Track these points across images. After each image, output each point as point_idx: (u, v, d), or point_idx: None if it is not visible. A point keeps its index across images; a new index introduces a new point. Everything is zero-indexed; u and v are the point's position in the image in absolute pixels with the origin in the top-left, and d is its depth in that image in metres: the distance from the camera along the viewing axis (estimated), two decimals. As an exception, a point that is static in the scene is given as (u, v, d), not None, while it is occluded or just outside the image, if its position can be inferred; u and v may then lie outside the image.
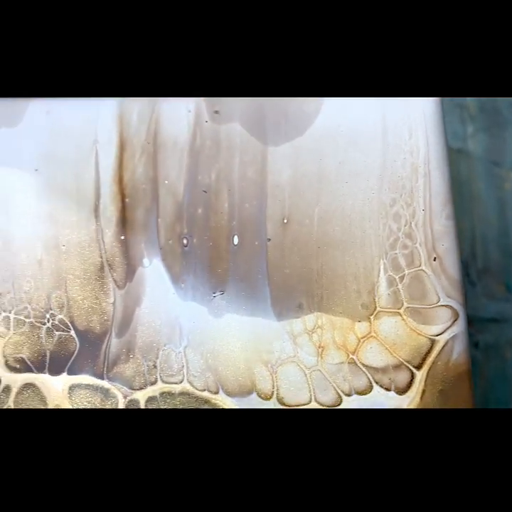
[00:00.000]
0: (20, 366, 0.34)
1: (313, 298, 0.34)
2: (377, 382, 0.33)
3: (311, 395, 0.33)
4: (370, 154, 0.35)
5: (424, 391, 0.33)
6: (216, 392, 0.33)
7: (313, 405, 0.33)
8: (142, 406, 0.33)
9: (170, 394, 0.33)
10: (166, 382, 0.33)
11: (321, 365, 0.33)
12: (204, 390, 0.33)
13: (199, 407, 0.33)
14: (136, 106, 0.36)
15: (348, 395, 0.33)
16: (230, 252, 0.35)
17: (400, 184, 0.35)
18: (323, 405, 0.33)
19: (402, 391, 0.33)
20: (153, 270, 0.35)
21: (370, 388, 0.33)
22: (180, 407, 0.33)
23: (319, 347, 0.34)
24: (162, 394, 0.33)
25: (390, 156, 0.35)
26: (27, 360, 0.34)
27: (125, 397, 0.33)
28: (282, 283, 0.34)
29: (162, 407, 0.33)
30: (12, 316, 0.34)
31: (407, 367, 0.33)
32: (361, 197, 0.35)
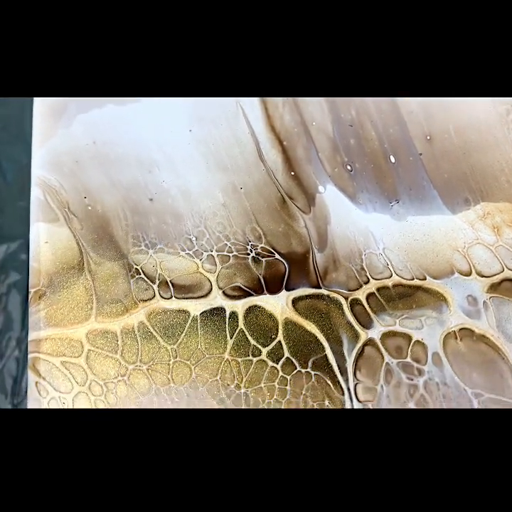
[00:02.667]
0: (239, 293, 0.39)
1: (475, 192, 0.43)
2: (549, 246, 0.41)
3: (502, 265, 0.40)
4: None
5: None
6: (424, 279, 0.40)
7: (507, 273, 0.40)
8: (365, 304, 0.39)
9: (385, 287, 0.39)
10: (378, 279, 0.39)
11: (501, 241, 0.41)
12: (413, 278, 0.40)
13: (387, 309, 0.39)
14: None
15: (531, 259, 0.41)
16: (391, 168, 0.43)
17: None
18: (514, 271, 0.40)
19: None
20: (330, 194, 0.42)
21: (546, 251, 0.41)
22: (396, 296, 0.39)
23: (494, 228, 0.42)
24: (378, 289, 0.39)
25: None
26: (243, 287, 0.39)
27: (346, 298, 0.39)
28: (445, 185, 0.43)
29: (381, 300, 0.39)
30: (215, 253, 0.39)
31: None
32: (482, 110, 0.45)
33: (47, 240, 0.39)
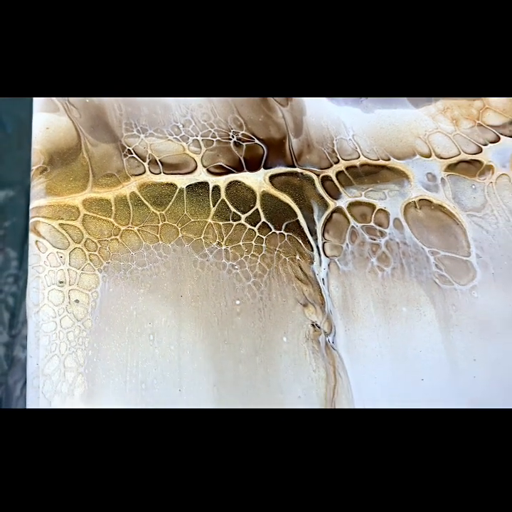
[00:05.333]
0: (221, 171, 0.43)
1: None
2: (501, 134, 0.46)
3: (459, 149, 0.45)
4: None
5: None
6: (388, 159, 0.44)
7: (463, 156, 0.45)
8: (335, 180, 0.43)
9: (353, 167, 0.44)
10: (347, 160, 0.44)
11: (459, 130, 0.46)
12: (378, 159, 0.44)
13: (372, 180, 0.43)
14: None
15: (484, 144, 0.45)
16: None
17: None
18: (469, 154, 0.45)
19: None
20: (306, 91, 0.46)
21: (498, 138, 0.46)
22: (363, 173, 0.43)
23: (452, 120, 0.46)
24: (347, 168, 0.44)
25: None
26: (225, 166, 0.43)
27: (318, 175, 0.43)
28: (409, 85, 0.47)
29: (349, 177, 0.43)
30: (200, 138, 0.44)
31: (519, 125, 0.46)
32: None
33: (48, 126, 0.43)
